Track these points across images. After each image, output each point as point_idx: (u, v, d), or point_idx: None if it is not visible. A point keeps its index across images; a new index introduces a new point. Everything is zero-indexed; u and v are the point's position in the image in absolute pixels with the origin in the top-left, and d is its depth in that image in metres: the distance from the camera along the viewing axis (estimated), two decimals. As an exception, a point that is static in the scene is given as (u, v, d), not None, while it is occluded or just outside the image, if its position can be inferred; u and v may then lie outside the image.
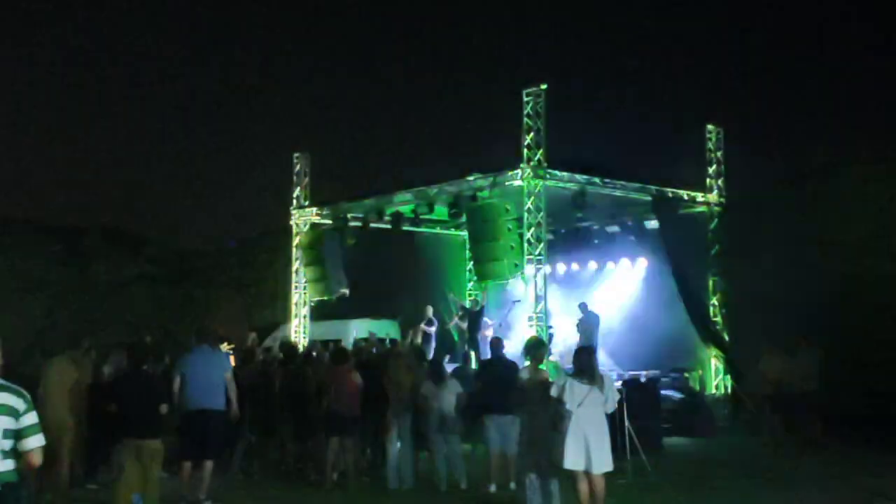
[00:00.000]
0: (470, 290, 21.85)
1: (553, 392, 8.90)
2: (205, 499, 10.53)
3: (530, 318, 16.27)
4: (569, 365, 15.17)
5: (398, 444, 11.63)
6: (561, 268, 20.90)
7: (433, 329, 19.71)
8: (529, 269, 16.24)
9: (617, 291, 20.43)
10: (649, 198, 17.95)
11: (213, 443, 10.58)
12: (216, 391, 10.54)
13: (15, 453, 5.11)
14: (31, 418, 5.18)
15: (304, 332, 20.67)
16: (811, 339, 15.27)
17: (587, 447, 8.63)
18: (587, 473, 8.70)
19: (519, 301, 18.29)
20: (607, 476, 8.91)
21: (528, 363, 10.13)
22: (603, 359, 17.50)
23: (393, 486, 11.43)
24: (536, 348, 10.44)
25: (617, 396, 9.17)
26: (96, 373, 11.65)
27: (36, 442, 5.15)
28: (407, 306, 20.89)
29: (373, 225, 19.58)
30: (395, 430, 11.60)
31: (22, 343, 20.83)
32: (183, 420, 10.57)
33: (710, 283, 18.85)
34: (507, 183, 16.54)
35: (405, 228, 19.65)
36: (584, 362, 9.02)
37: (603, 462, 8.72)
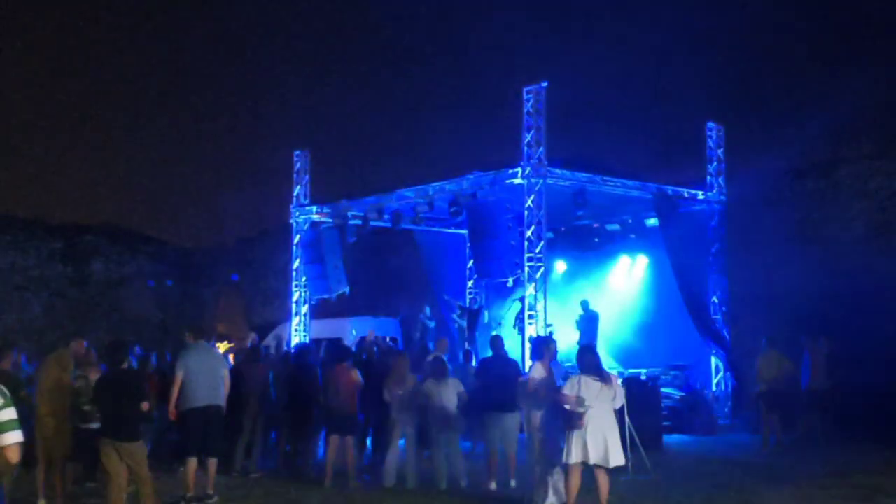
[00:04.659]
0: (470, 288, 21.81)
1: (567, 390, 8.94)
2: (213, 494, 10.60)
3: (531, 317, 16.23)
4: (569, 363, 15.21)
5: (400, 443, 11.61)
6: (561, 266, 20.86)
7: (433, 325, 19.69)
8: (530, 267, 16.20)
9: (617, 289, 20.40)
10: (650, 196, 17.90)
11: (217, 438, 10.72)
12: (218, 387, 10.63)
13: None
14: (9, 414, 5.06)
15: (304, 331, 20.64)
16: (817, 336, 15.28)
17: (605, 442, 8.80)
18: (598, 468, 8.86)
19: (519, 299, 18.25)
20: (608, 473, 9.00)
21: (536, 361, 10.16)
22: (603, 356, 17.46)
23: (388, 484, 11.39)
24: (545, 346, 10.49)
25: (623, 392, 9.32)
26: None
27: (13, 438, 5.02)
28: (406, 304, 20.86)
29: (373, 223, 19.53)
30: (400, 428, 11.59)
31: (21, 340, 20.82)
32: (186, 416, 10.56)
33: (711, 280, 18.82)
34: (507, 181, 16.50)
35: (405, 226, 19.62)
36: (589, 362, 9.12)
37: (617, 455, 8.91)
